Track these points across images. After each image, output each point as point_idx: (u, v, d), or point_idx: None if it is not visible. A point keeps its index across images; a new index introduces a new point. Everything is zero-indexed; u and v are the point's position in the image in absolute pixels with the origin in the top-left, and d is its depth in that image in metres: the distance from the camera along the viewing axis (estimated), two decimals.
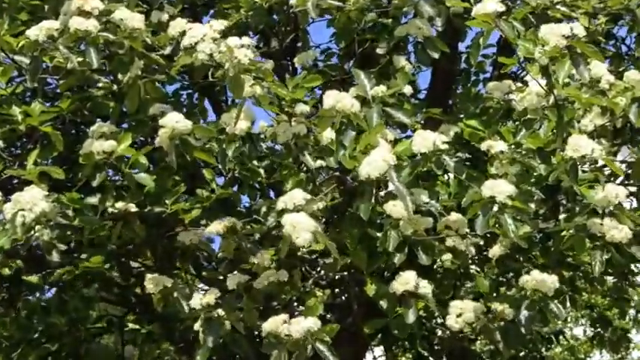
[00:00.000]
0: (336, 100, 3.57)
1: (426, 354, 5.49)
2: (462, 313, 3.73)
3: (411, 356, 5.90)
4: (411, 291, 3.64)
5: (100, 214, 3.82)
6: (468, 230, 3.79)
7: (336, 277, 4.39)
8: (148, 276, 3.88)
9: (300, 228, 3.28)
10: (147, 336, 5.01)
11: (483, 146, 3.72)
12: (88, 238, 3.94)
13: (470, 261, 4.29)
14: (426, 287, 3.68)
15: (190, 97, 5.27)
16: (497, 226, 3.66)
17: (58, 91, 4.21)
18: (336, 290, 4.64)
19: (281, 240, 3.48)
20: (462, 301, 3.81)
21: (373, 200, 3.56)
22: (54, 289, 5.09)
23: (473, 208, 3.52)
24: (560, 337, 7.24)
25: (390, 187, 3.64)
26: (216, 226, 3.81)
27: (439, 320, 5.13)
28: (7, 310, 5.14)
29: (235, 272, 3.88)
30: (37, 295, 5.12)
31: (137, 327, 5.01)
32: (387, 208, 3.65)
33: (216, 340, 3.70)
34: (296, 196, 3.47)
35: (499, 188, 3.46)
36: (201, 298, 3.72)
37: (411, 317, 3.65)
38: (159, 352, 5.22)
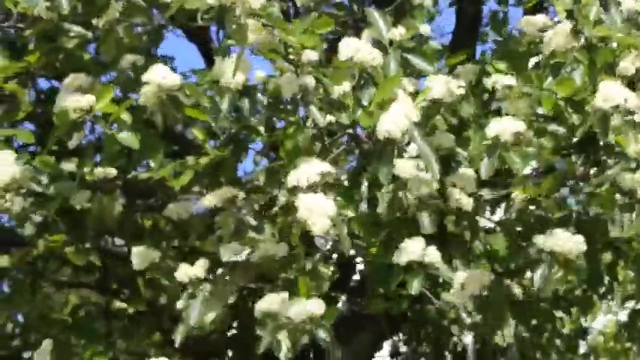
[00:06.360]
0: (356, 49, 3.11)
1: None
2: (465, 284, 3.23)
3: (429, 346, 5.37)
4: (418, 261, 3.21)
5: (78, 182, 3.30)
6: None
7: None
8: (134, 250, 3.38)
9: (318, 213, 2.76)
10: (131, 320, 4.44)
11: (488, 82, 3.32)
12: (57, 210, 3.41)
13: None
14: (432, 255, 3.22)
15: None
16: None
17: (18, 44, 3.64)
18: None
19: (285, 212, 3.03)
20: (465, 271, 3.33)
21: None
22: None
23: (479, 153, 3.13)
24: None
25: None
26: (214, 198, 3.34)
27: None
28: None
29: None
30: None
31: (123, 306, 4.43)
32: (397, 167, 3.19)
33: (199, 316, 3.20)
34: (309, 170, 2.93)
35: (503, 126, 3.05)
36: (188, 270, 3.24)
37: (415, 287, 3.19)
38: (147, 342, 4.63)
